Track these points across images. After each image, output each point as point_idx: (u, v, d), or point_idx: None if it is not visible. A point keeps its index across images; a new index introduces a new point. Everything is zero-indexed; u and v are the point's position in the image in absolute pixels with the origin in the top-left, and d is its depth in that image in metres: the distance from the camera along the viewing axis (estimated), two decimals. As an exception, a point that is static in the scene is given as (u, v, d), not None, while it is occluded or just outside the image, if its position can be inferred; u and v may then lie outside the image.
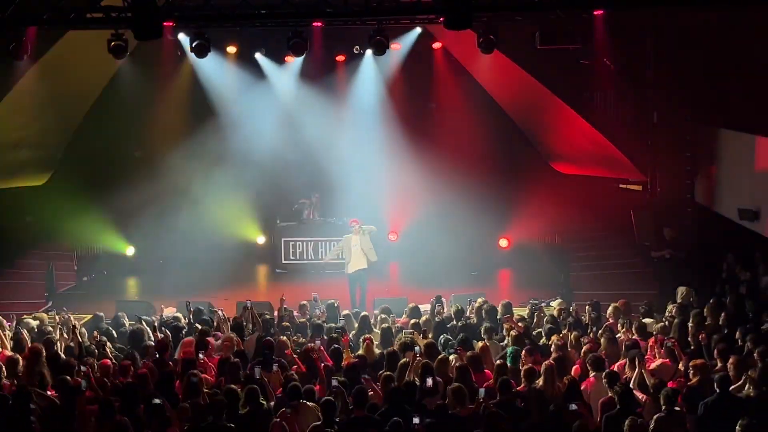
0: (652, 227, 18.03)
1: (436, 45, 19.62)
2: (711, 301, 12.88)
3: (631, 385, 9.12)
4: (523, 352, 10.32)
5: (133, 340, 12.15)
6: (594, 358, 9.77)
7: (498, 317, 12.68)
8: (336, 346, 10.96)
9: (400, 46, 19.06)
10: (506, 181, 19.48)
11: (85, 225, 20.04)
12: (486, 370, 10.04)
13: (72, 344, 11.54)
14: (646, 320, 12.12)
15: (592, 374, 9.57)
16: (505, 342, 11.31)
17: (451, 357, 10.41)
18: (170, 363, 10.70)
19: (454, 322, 12.80)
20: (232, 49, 18.95)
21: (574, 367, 10.15)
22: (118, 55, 14.92)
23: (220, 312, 13.08)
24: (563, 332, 11.74)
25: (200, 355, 10.59)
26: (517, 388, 9.23)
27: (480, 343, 11.14)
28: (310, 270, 20.01)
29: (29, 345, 11.05)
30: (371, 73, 20.11)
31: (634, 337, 11.03)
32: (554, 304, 14.84)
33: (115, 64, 17.27)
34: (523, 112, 20.86)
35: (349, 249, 16.94)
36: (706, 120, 17.23)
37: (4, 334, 11.73)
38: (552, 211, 19.73)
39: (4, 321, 12.35)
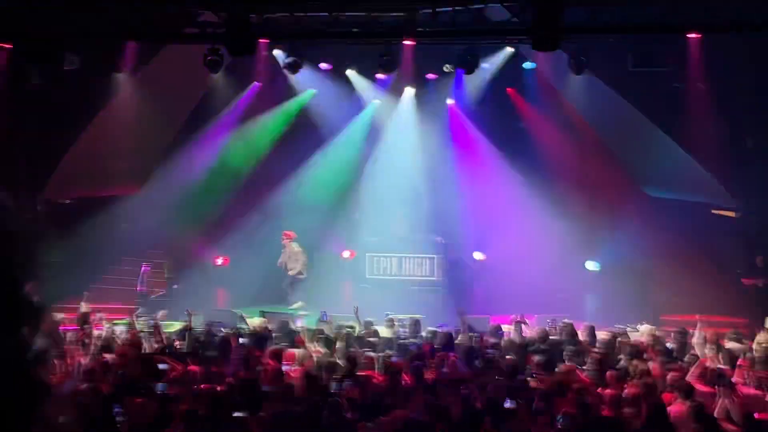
0: (744, 254, 17.59)
1: (527, 65, 19.54)
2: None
3: (716, 415, 8.94)
4: (609, 376, 10.22)
5: (222, 349, 12.40)
6: (682, 385, 9.61)
7: (578, 340, 12.56)
8: (418, 362, 10.99)
9: (490, 65, 19.06)
10: (595, 203, 19.25)
11: (177, 234, 20.51)
12: (570, 394, 9.94)
13: (160, 349, 11.85)
14: (734, 347, 11.84)
15: (678, 401, 9.41)
16: (587, 366, 11.20)
17: (532, 380, 10.35)
18: (255, 373, 10.88)
19: (538, 344, 12.72)
20: (324, 66, 19.22)
21: (663, 394, 10.00)
22: (214, 70, 15.31)
23: (300, 323, 13.25)
24: (648, 358, 11.58)
25: (284, 366, 10.76)
26: (602, 413, 9.12)
27: (564, 366, 11.04)
28: (394, 285, 20.09)
29: (119, 349, 11.40)
30: (459, 92, 20.14)
31: (721, 366, 10.80)
32: (642, 329, 14.61)
33: (211, 77, 17.71)
34: (613, 134, 20.60)
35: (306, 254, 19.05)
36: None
37: (94, 339, 12.11)
38: (641, 234, 19.42)
39: (94, 328, 12.76)
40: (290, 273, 19.22)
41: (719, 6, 13.69)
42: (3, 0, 12.57)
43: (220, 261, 21.04)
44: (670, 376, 10.30)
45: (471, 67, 15.78)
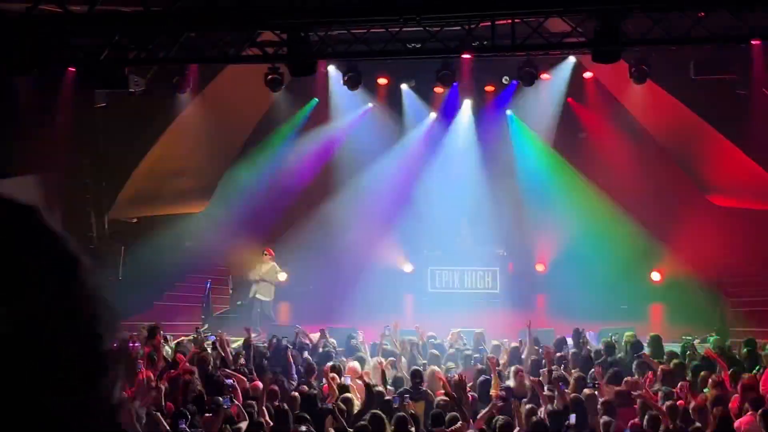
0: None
1: (587, 74, 19.40)
2: None
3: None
4: (679, 388, 10.09)
5: (285, 364, 12.49)
6: (754, 396, 9.45)
7: (643, 353, 12.37)
8: (485, 377, 10.94)
9: (550, 77, 18.96)
10: (659, 213, 19.00)
11: (240, 251, 20.74)
12: (635, 406, 9.82)
13: (224, 364, 11.99)
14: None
15: (749, 413, 9.25)
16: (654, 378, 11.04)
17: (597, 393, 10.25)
18: (317, 387, 10.95)
19: (605, 356, 12.55)
20: (382, 81, 19.33)
21: (730, 404, 9.84)
22: (275, 88, 15.47)
23: (360, 337, 13.29)
24: (718, 370, 11.38)
25: (347, 380, 10.79)
26: (669, 426, 8.99)
27: (629, 379, 10.91)
28: (456, 299, 20.04)
29: (186, 366, 11.56)
30: (519, 102, 20.08)
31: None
32: (711, 340, 14.37)
33: (272, 94, 17.90)
34: (677, 143, 20.32)
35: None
36: None
37: (161, 355, 12.29)
38: (708, 244, 19.09)
39: (160, 344, 12.96)
40: (262, 296, 18.66)
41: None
42: (68, 24, 12.83)
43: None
44: (740, 387, 10.12)
45: (531, 79, 15.71)
